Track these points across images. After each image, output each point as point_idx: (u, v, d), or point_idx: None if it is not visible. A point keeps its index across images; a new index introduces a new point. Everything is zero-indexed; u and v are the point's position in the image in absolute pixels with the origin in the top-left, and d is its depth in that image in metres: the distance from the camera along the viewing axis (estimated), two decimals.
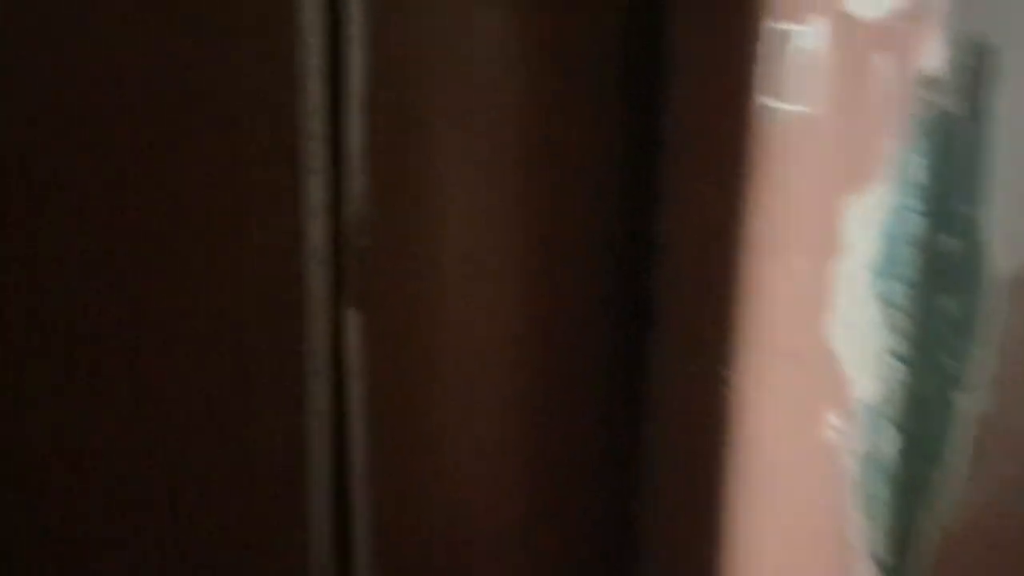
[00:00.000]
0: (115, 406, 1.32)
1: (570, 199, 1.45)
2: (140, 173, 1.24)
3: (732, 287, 1.38)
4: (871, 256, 1.18)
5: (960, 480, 1.20)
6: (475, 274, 1.42)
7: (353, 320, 1.35)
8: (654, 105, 1.43)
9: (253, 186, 1.28)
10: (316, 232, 1.31)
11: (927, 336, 1.16)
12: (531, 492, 1.53)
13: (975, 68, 1.10)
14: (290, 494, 1.38)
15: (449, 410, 1.44)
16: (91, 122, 1.23)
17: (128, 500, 1.35)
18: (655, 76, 1.42)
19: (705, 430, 1.44)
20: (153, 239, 1.27)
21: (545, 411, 1.52)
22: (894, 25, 1.13)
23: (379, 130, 1.30)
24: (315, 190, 1.29)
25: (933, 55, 1.10)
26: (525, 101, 1.39)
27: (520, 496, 1.51)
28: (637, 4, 1.42)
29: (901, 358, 1.18)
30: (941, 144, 1.12)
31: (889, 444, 1.20)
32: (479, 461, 1.50)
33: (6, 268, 1.24)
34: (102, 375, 1.31)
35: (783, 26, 1.25)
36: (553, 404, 1.53)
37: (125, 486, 1.35)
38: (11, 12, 1.18)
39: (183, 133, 1.25)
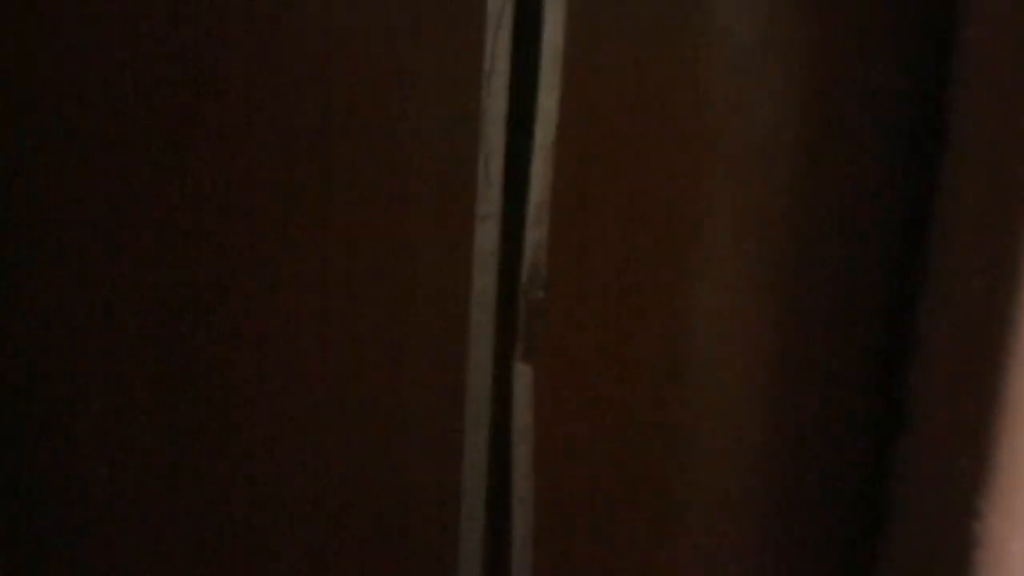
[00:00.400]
0: (270, 445, 1.30)
1: (808, 278, 1.27)
2: (309, 210, 1.22)
3: (995, 406, 1.16)
4: None
5: None
6: (676, 348, 1.28)
7: (521, 374, 1.27)
8: (925, 183, 1.23)
9: (422, 229, 1.23)
10: (484, 281, 1.24)
11: None
12: None
13: None
14: (438, 556, 1.31)
15: (626, 486, 1.31)
16: (268, 158, 1.19)
17: (274, 541, 1.33)
18: (930, 150, 1.22)
19: (948, 561, 1.23)
20: (318, 277, 1.24)
21: (770, 509, 1.36)
22: None
23: (564, 179, 1.21)
24: (486, 238, 1.22)
25: None
26: (755, 160, 1.24)
27: None
28: (917, 69, 1.23)
29: None
30: None
31: None
32: (683, 554, 1.35)
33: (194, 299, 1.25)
34: (259, 419, 1.28)
35: None
36: (782, 503, 1.36)
37: (271, 527, 1.33)
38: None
39: (354, 171, 1.21)
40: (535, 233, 1.21)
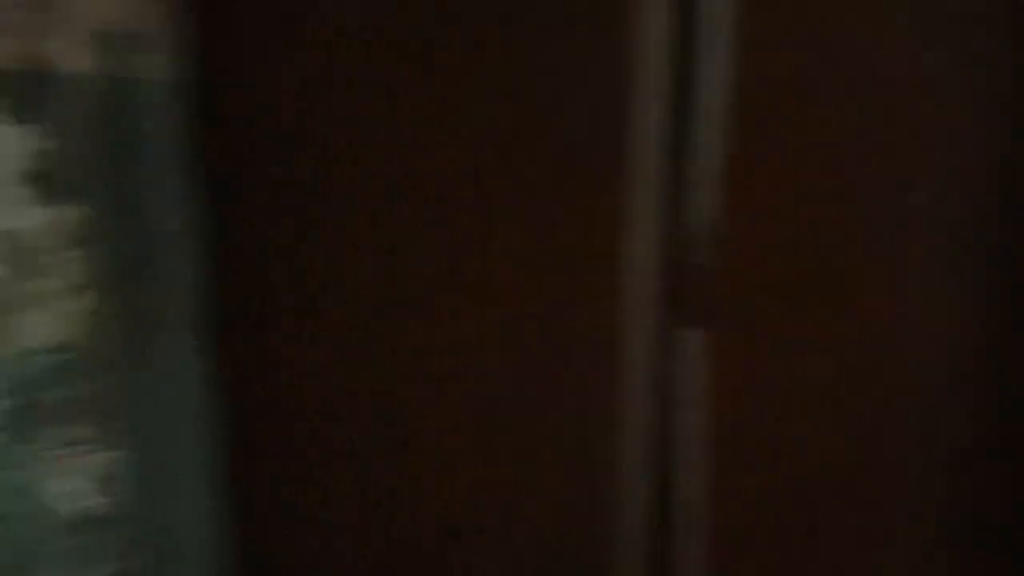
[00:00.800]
0: (433, 410, 1.29)
1: (1003, 263, 1.22)
2: (470, 176, 1.21)
3: None
4: None
5: None
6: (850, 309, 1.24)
7: (689, 341, 1.24)
8: None
9: (581, 193, 1.21)
10: (645, 246, 1.21)
11: None
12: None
13: None
14: (599, 527, 1.28)
15: (803, 454, 1.27)
16: (432, 131, 1.20)
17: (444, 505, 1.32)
18: None
19: None
20: (480, 246, 1.22)
21: (964, 501, 1.31)
22: None
23: (733, 145, 1.18)
24: (645, 202, 1.20)
25: None
26: (947, 139, 1.19)
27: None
28: None
29: None
30: None
31: None
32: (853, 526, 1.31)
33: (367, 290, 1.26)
34: (429, 388, 1.28)
35: None
36: (976, 495, 1.31)
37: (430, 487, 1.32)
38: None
39: (515, 138, 1.19)
40: (699, 199, 1.18)
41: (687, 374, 1.24)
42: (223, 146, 1.20)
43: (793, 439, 1.27)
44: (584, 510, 1.29)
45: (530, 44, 1.17)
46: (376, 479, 1.30)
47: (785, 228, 1.21)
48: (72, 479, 1.18)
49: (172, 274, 1.22)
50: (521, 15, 1.16)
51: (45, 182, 1.11)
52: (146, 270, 1.19)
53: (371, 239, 1.23)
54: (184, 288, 1.23)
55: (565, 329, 1.24)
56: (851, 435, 1.27)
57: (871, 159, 1.20)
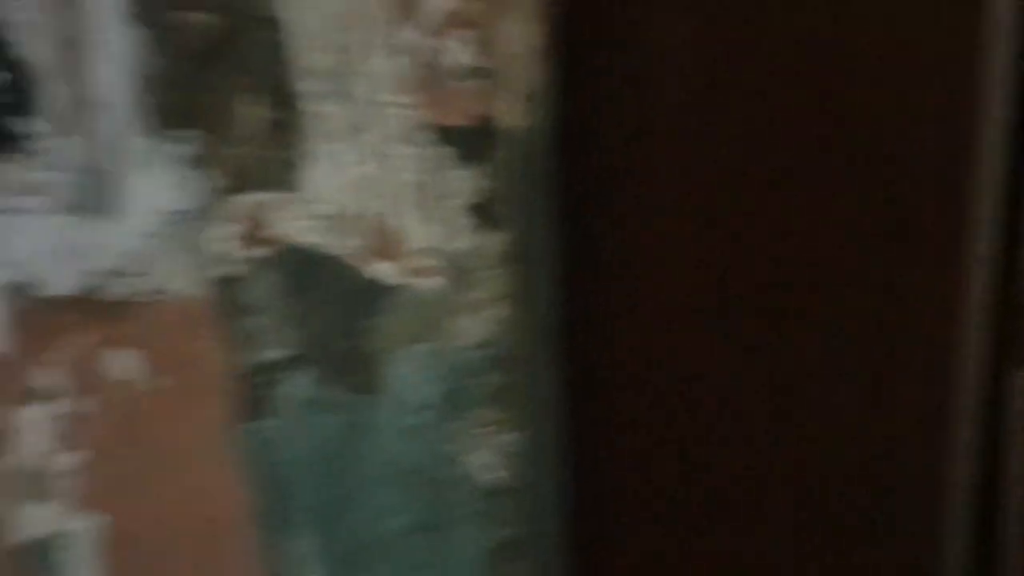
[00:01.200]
0: (765, 433, 1.38)
1: None
2: (810, 217, 1.29)
3: None
4: None
5: None
6: None
7: (1019, 381, 1.24)
8: None
9: (917, 232, 1.25)
10: (980, 285, 1.23)
11: None
12: None
13: None
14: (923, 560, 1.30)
15: None
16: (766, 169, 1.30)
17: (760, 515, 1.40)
18: None
19: None
20: (808, 280, 1.30)
21: None
22: None
23: None
24: (982, 242, 1.22)
25: None
26: None
27: None
28: None
29: None
30: None
31: None
32: None
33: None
34: (754, 416, 1.37)
35: None
36: None
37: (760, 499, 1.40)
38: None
39: (854, 172, 1.26)
40: None
41: (1016, 414, 1.25)
42: (577, 176, 1.42)
43: None
44: (910, 539, 1.32)
45: (876, 85, 1.25)
46: (708, 478, 1.42)
47: None
48: (486, 453, 1.46)
49: (553, 284, 1.47)
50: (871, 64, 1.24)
51: (481, 213, 1.42)
52: (542, 283, 1.45)
53: (695, 262, 1.37)
54: (558, 296, 1.48)
55: (897, 362, 1.29)
56: None
57: None
